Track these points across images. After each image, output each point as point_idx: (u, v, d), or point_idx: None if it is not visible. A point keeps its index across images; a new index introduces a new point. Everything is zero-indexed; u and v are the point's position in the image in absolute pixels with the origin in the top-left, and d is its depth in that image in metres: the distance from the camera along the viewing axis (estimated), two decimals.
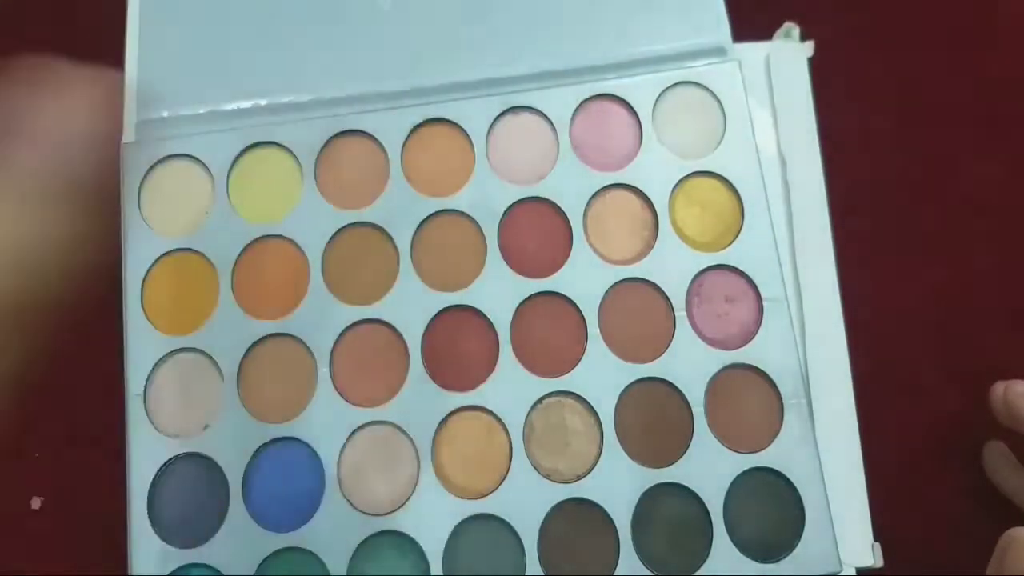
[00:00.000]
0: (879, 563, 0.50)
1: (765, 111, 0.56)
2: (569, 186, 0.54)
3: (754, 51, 0.57)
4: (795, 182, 0.55)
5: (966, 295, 0.56)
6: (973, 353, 0.55)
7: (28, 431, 0.55)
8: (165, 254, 0.53)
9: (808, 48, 0.58)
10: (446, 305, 0.53)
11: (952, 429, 0.53)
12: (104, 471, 0.54)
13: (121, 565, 0.52)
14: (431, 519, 0.50)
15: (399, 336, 0.52)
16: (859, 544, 0.50)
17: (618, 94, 0.55)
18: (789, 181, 0.55)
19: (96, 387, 0.55)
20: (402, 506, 0.50)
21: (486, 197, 0.54)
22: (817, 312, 0.53)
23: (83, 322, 0.56)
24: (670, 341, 0.52)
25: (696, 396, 0.51)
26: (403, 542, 0.50)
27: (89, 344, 0.56)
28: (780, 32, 0.58)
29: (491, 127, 0.55)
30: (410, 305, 0.53)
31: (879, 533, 0.51)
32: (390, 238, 0.53)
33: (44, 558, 0.53)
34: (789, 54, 0.57)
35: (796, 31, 0.58)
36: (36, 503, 0.54)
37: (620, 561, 0.49)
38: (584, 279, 0.53)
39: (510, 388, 0.52)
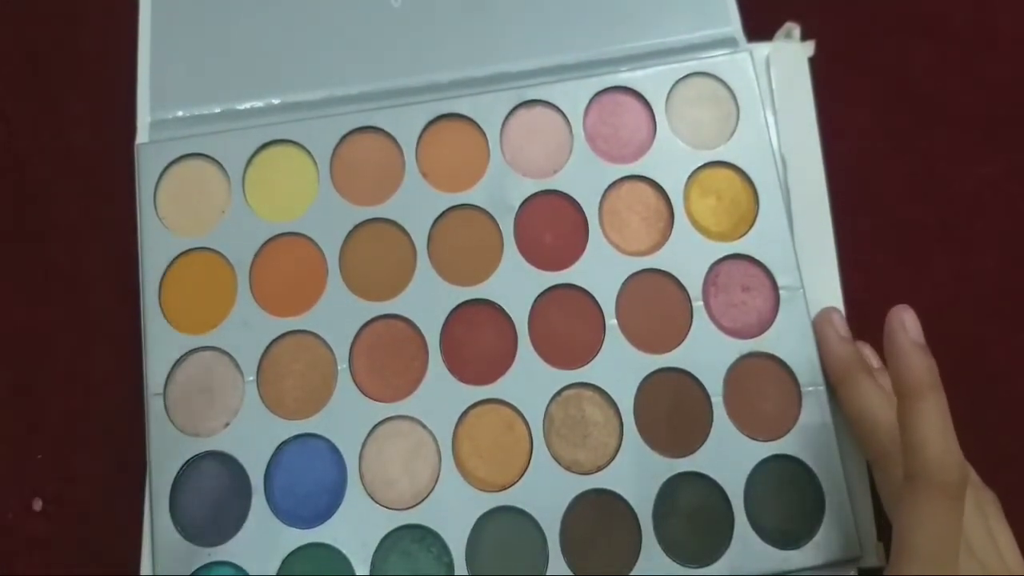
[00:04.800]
0: (883, 563, 0.50)
1: (766, 111, 0.56)
2: (584, 179, 0.54)
3: (755, 51, 0.57)
4: (796, 182, 0.55)
5: (966, 295, 0.56)
6: (973, 353, 0.55)
7: (30, 432, 0.55)
8: (182, 254, 0.54)
9: (809, 48, 0.58)
10: (464, 299, 0.53)
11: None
12: (106, 472, 0.54)
13: (121, 567, 0.52)
14: (453, 512, 0.50)
15: (417, 331, 0.52)
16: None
17: (631, 86, 0.56)
18: (790, 181, 0.55)
19: (98, 388, 0.55)
20: (424, 500, 0.50)
21: (501, 191, 0.54)
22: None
23: (87, 322, 0.56)
24: (687, 331, 0.52)
25: (714, 385, 0.51)
26: (426, 535, 0.50)
27: (92, 344, 0.56)
28: (781, 32, 0.58)
29: (505, 121, 0.55)
30: (428, 300, 0.53)
31: (882, 533, 0.51)
32: (407, 234, 0.54)
33: (45, 559, 0.53)
34: (790, 54, 0.58)
35: (797, 31, 0.58)
36: (37, 504, 0.54)
37: (642, 550, 0.49)
38: (601, 271, 0.53)
39: (529, 381, 0.52)
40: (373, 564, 0.49)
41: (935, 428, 0.40)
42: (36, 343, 0.56)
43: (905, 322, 0.43)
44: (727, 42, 0.57)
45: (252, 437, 0.51)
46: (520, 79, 0.56)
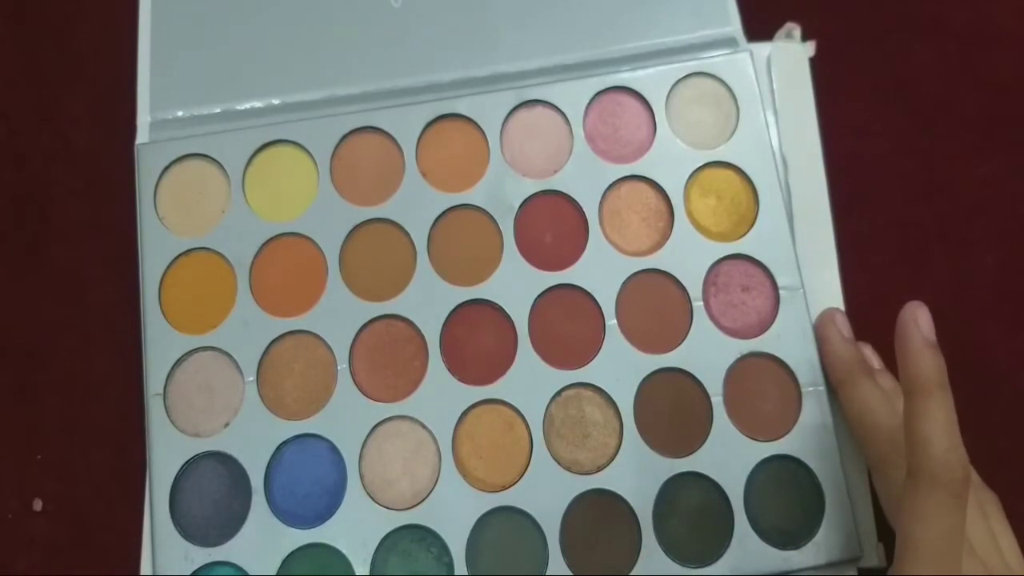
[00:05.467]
0: (883, 563, 0.50)
1: (767, 111, 0.56)
2: (584, 179, 0.54)
3: (756, 51, 0.57)
4: (796, 182, 0.55)
5: (966, 295, 0.56)
6: (973, 353, 0.55)
7: (30, 432, 0.55)
8: (182, 254, 0.54)
9: (809, 48, 0.58)
10: (464, 300, 0.53)
11: None
12: (106, 473, 0.54)
13: (121, 567, 0.52)
14: (453, 513, 0.50)
15: (418, 331, 0.52)
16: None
17: (631, 86, 0.56)
18: (790, 182, 0.55)
19: (98, 388, 0.55)
20: (424, 500, 0.50)
21: (501, 191, 0.54)
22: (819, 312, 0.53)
23: (87, 322, 0.56)
24: (687, 331, 0.52)
25: (714, 385, 0.51)
26: (426, 536, 0.50)
27: (92, 344, 0.56)
28: (781, 32, 0.58)
29: (505, 121, 0.55)
30: (428, 300, 0.53)
31: (883, 534, 0.51)
32: (407, 234, 0.54)
33: (45, 560, 0.53)
34: (790, 54, 0.58)
35: (797, 31, 0.58)
36: (37, 504, 0.54)
37: (642, 550, 0.49)
38: (601, 271, 0.53)
39: (529, 381, 0.52)
40: (373, 564, 0.49)
41: (941, 426, 0.41)
42: (36, 343, 0.56)
43: (918, 319, 0.43)
44: (727, 42, 0.57)
45: (252, 437, 0.51)
46: (520, 79, 0.56)
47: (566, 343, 0.52)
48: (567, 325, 0.53)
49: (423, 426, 0.51)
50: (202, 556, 0.50)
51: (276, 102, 0.56)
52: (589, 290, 0.53)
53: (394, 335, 0.53)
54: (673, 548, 0.50)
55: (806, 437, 0.51)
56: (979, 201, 0.57)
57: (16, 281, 0.57)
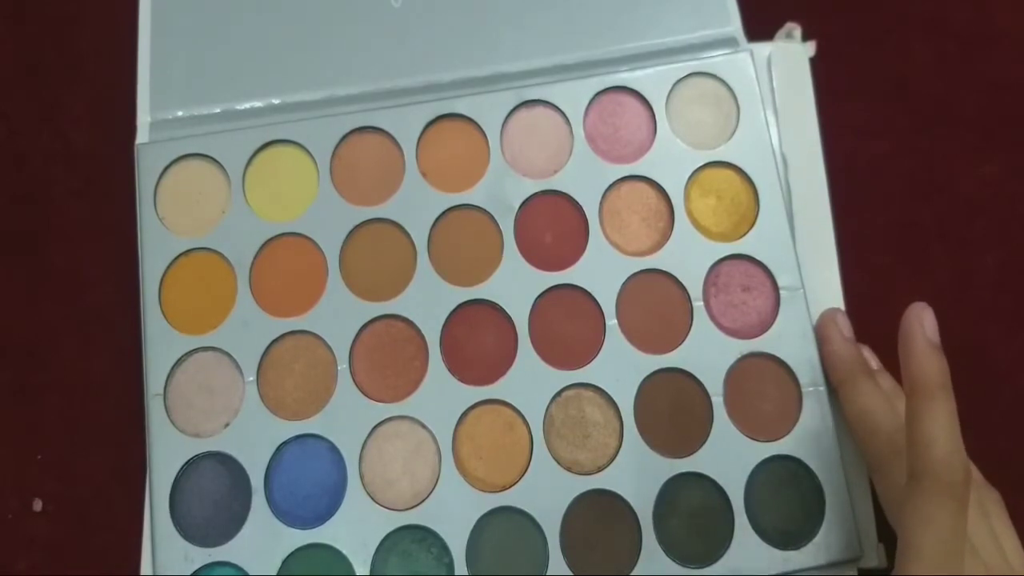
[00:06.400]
0: (883, 563, 0.50)
1: (767, 111, 0.56)
2: (584, 179, 0.54)
3: (756, 51, 0.57)
4: (797, 182, 0.55)
5: (966, 295, 0.56)
6: (973, 353, 0.55)
7: (30, 432, 0.55)
8: (182, 254, 0.54)
9: (810, 48, 0.58)
10: (464, 300, 0.53)
11: None
12: (106, 473, 0.54)
13: (121, 567, 0.52)
14: (453, 513, 0.50)
15: (418, 331, 0.52)
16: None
17: (631, 86, 0.56)
18: (790, 182, 0.55)
19: (98, 388, 0.55)
20: (424, 500, 0.50)
21: (502, 191, 0.54)
22: (820, 312, 0.53)
23: (87, 322, 0.56)
24: (688, 331, 0.52)
25: (715, 386, 0.51)
26: (426, 536, 0.50)
27: (92, 344, 0.56)
28: (781, 32, 0.58)
29: (505, 121, 0.55)
30: (428, 300, 0.53)
31: (883, 534, 0.51)
32: (407, 234, 0.54)
33: (45, 560, 0.53)
34: (791, 54, 0.58)
35: (798, 31, 0.58)
36: (37, 504, 0.54)
37: (642, 551, 0.49)
38: (601, 271, 0.53)
39: (529, 381, 0.52)
40: (373, 564, 0.49)
41: (943, 428, 0.41)
42: (36, 343, 0.56)
43: (924, 320, 0.43)
44: (727, 42, 0.57)
45: (252, 437, 0.51)
46: (520, 79, 0.56)
47: (566, 343, 0.52)
48: (567, 325, 0.53)
49: (423, 426, 0.51)
50: (202, 556, 0.50)
51: (276, 102, 0.56)
52: (589, 290, 0.53)
53: (394, 335, 0.53)
54: (673, 548, 0.49)
55: (806, 437, 0.51)
56: (979, 201, 0.57)
57: (16, 281, 0.57)
